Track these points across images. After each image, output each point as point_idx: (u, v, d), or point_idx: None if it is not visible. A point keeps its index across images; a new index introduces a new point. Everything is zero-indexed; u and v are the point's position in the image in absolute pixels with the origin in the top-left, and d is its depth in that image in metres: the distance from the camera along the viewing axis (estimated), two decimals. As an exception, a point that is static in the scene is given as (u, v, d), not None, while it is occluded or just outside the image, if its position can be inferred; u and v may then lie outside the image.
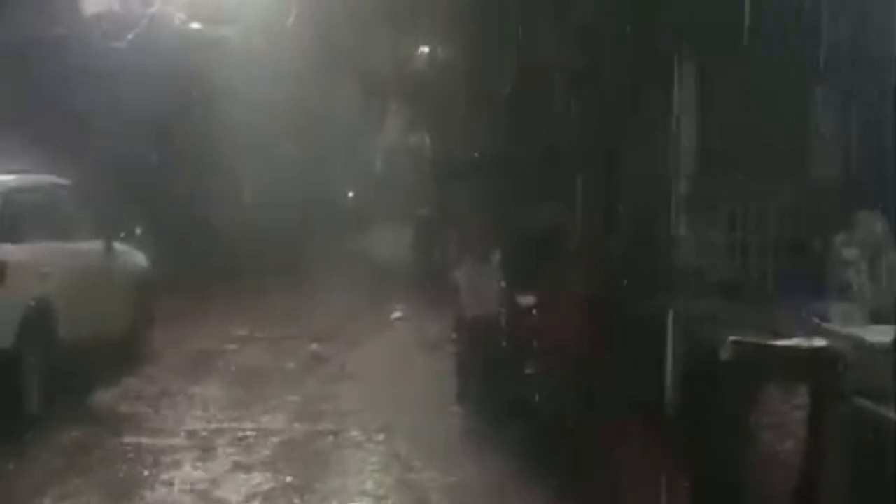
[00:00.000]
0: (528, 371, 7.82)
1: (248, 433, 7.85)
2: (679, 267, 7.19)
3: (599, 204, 7.97)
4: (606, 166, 7.97)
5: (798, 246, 6.45)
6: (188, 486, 6.64)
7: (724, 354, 5.62)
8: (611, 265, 7.34)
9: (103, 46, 13.71)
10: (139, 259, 10.80)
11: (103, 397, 8.92)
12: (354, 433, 7.88)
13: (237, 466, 7.07)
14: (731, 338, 5.64)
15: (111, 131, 14.12)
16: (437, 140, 18.78)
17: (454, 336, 9.47)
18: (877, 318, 5.79)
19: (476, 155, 11.84)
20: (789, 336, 5.57)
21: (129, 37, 14.05)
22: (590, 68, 8.24)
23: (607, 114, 7.98)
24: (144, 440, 7.61)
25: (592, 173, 8.10)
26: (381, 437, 7.78)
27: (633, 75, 7.63)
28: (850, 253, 6.01)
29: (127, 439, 7.62)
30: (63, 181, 9.66)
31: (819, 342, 5.45)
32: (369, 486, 6.72)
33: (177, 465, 7.07)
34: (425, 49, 17.90)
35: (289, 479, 6.77)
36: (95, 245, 9.74)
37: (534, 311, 7.95)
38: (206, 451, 7.39)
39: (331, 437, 7.79)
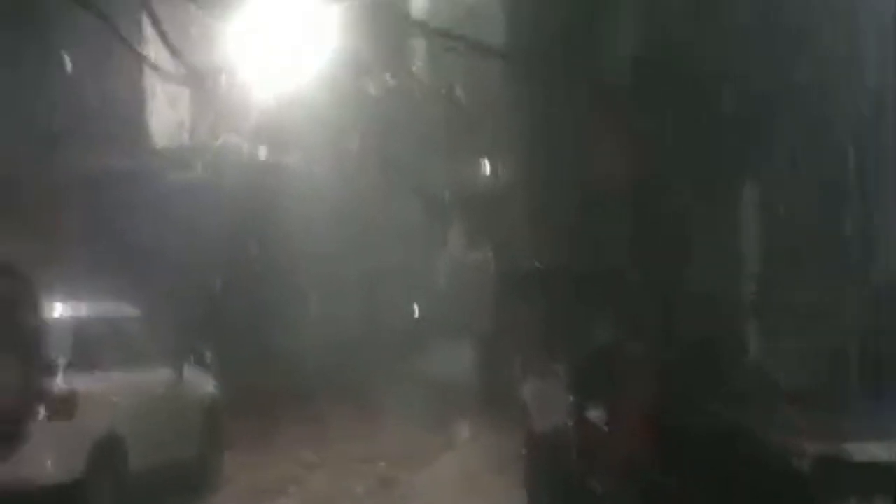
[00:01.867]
0: (598, 487, 7.65)
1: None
2: (750, 376, 7.06)
3: (666, 316, 7.89)
4: (671, 277, 7.92)
5: (873, 354, 6.30)
6: None
7: (802, 468, 5.46)
8: (678, 377, 7.22)
9: (172, 177, 14.07)
10: (208, 385, 10.86)
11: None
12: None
13: None
14: (809, 450, 5.49)
15: (179, 259, 14.36)
16: (500, 255, 18.82)
17: (523, 453, 9.31)
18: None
19: (538, 265, 11.82)
20: (869, 448, 5.40)
21: (198, 167, 14.41)
22: (651, 181, 8.27)
23: (670, 225, 7.96)
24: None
25: (657, 285, 8.05)
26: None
27: (694, 188, 7.64)
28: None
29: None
30: (132, 310, 9.81)
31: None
32: None
33: None
34: (486, 165, 18.11)
35: None
36: (164, 373, 9.82)
37: (604, 426, 7.81)
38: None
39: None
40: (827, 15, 6.96)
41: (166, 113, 15.91)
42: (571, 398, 8.52)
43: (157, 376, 9.67)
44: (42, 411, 7.91)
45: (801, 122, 6.66)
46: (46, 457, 7.93)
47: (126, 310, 9.72)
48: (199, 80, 13.76)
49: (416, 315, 27.79)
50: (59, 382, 8.09)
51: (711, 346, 7.30)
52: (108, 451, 8.19)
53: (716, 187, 7.26)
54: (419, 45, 16.09)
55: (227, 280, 15.79)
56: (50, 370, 8.12)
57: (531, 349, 11.14)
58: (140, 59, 13.24)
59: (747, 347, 7.34)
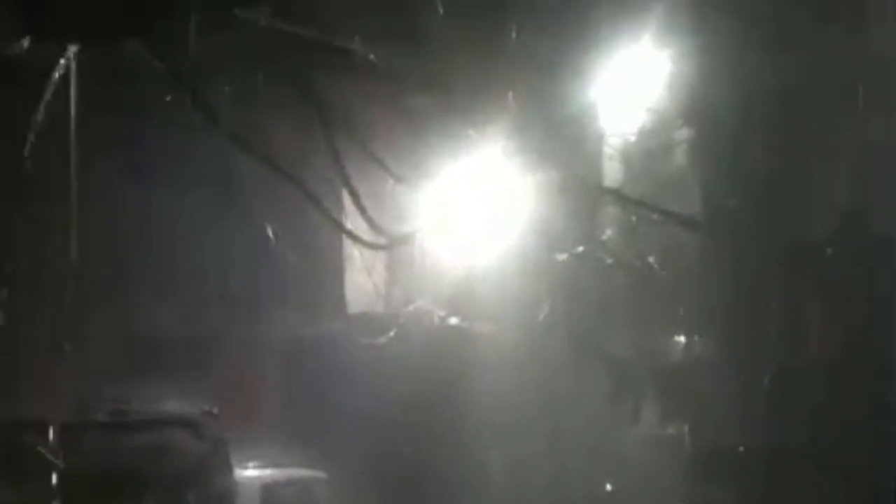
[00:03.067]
0: None
1: None
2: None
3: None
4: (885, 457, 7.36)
5: None
6: None
7: None
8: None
9: (364, 343, 14.24)
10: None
11: None
12: None
13: None
14: None
15: (368, 426, 14.38)
16: (696, 433, 18.09)
17: None
18: None
19: (741, 449, 11.25)
20: None
21: (391, 334, 14.56)
22: (853, 359, 7.82)
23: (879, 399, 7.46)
24: None
25: (865, 469, 7.49)
26: None
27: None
28: None
29: None
30: (321, 475, 9.80)
31: None
32: None
33: None
34: (681, 339, 17.62)
35: None
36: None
37: None
38: None
39: None
40: None
41: (362, 280, 16.29)
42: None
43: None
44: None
45: None
46: None
47: (314, 474, 9.71)
48: (394, 248, 14.04)
49: (608, 490, 26.94)
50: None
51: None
52: None
53: None
54: (612, 214, 16.03)
55: (414, 446, 15.72)
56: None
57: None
58: (339, 229, 13.64)
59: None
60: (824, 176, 9.47)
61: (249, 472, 8.71)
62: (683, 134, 14.27)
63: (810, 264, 8.78)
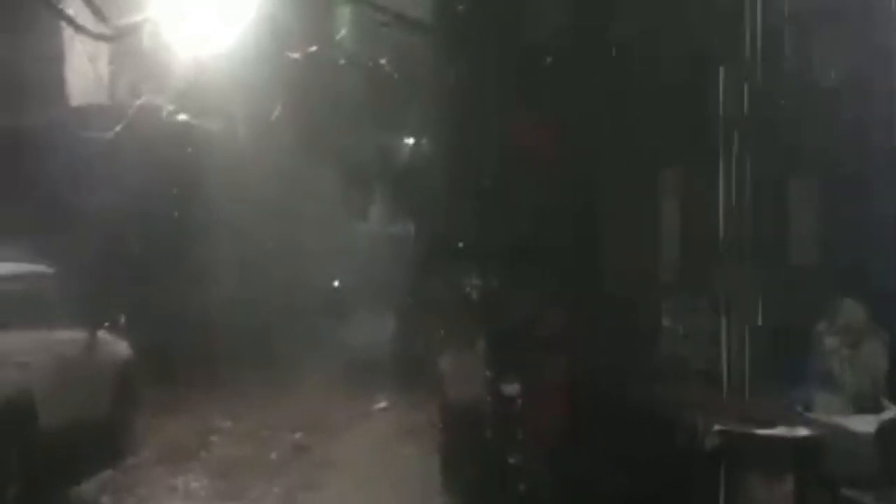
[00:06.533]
0: (512, 460, 7.78)
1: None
2: (662, 355, 7.22)
3: (582, 294, 8.01)
4: (589, 256, 8.04)
5: (780, 334, 6.49)
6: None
7: (709, 443, 5.62)
8: (594, 353, 7.37)
9: (90, 137, 13.80)
10: (122, 349, 10.74)
11: (86, 489, 8.80)
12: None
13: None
14: (716, 427, 5.65)
15: (95, 222, 14.13)
16: (421, 230, 18.88)
17: (438, 425, 9.42)
18: (859, 407, 5.81)
19: (460, 245, 11.90)
20: (773, 425, 5.58)
21: (117, 128, 14.15)
22: (572, 160, 8.35)
23: (590, 205, 8.07)
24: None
25: (575, 263, 8.16)
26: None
27: (613, 170, 7.76)
28: (831, 341, 6.05)
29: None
30: (46, 270, 9.65)
31: (803, 431, 5.47)
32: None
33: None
34: (409, 140, 18.10)
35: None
36: (78, 334, 9.69)
37: (518, 401, 7.93)
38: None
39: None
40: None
41: (85, 70, 15.60)
42: (487, 372, 8.64)
43: (71, 337, 9.55)
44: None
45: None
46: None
47: (40, 269, 9.55)
48: (120, 38, 13.50)
49: (336, 285, 27.83)
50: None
51: (624, 323, 7.45)
52: (17, 411, 8.08)
53: (640, 167, 7.38)
54: (346, 14, 15.96)
55: (144, 243, 15.60)
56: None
57: (449, 323, 11.25)
58: (58, 15, 12.94)
59: (660, 325, 7.50)
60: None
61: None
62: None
63: (537, 67, 9.19)
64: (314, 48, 14.51)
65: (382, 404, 13.82)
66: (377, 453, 10.70)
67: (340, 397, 13.94)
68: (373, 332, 21.58)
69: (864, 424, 5.41)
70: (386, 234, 24.65)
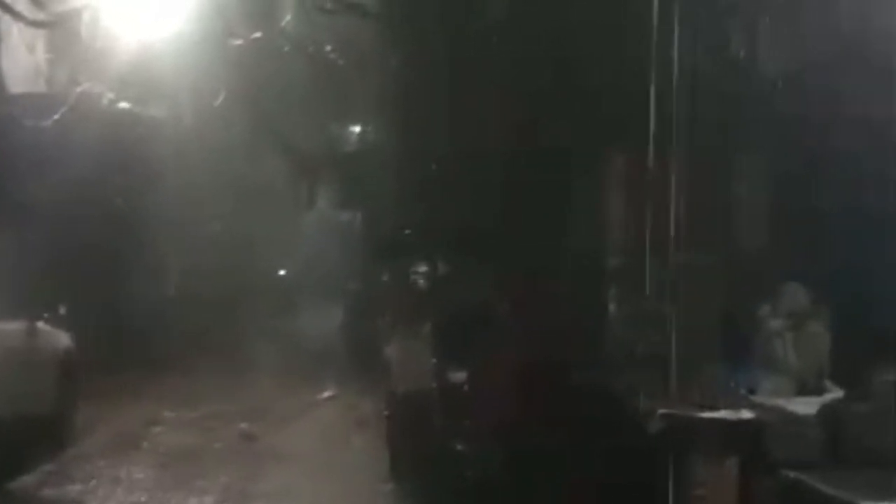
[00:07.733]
0: (460, 447, 7.78)
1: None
2: (608, 340, 7.24)
3: (530, 278, 8.02)
4: (537, 240, 8.05)
5: (725, 317, 6.53)
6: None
7: (653, 427, 5.65)
8: (542, 338, 7.37)
9: (28, 125, 13.56)
10: (63, 339, 10.57)
11: (27, 480, 8.66)
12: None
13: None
14: (661, 410, 5.67)
15: (35, 210, 13.89)
16: (367, 217, 18.83)
17: (386, 413, 9.40)
18: (802, 390, 5.86)
19: (407, 232, 11.88)
20: (717, 408, 5.61)
21: (56, 116, 13.91)
22: (517, 148, 8.36)
23: (535, 191, 8.08)
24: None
25: (522, 248, 8.17)
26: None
27: (559, 154, 7.76)
28: (775, 324, 6.09)
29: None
30: (-15, 260, 9.47)
31: (746, 414, 5.50)
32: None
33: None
34: (356, 128, 18.03)
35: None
36: (17, 325, 9.52)
37: (465, 387, 7.93)
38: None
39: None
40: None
41: (23, 58, 15.32)
42: (434, 359, 8.63)
43: (10, 328, 9.38)
44: None
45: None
46: None
47: (-24, 260, 9.37)
48: (59, 25, 13.29)
49: (281, 273, 27.68)
50: None
51: (571, 308, 7.47)
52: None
53: (589, 151, 7.39)
54: (288, 0, 15.84)
55: (85, 232, 15.37)
56: None
57: (396, 310, 11.22)
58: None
59: (606, 310, 7.52)
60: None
61: None
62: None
63: (481, 53, 9.17)
64: (258, 34, 14.39)
65: (330, 392, 13.76)
66: (325, 442, 10.65)
67: (288, 386, 13.85)
68: (320, 320, 21.49)
69: (807, 406, 5.45)
70: (332, 222, 24.55)
